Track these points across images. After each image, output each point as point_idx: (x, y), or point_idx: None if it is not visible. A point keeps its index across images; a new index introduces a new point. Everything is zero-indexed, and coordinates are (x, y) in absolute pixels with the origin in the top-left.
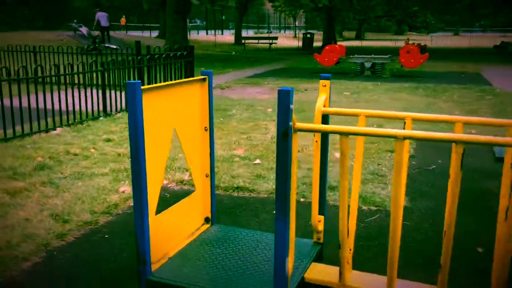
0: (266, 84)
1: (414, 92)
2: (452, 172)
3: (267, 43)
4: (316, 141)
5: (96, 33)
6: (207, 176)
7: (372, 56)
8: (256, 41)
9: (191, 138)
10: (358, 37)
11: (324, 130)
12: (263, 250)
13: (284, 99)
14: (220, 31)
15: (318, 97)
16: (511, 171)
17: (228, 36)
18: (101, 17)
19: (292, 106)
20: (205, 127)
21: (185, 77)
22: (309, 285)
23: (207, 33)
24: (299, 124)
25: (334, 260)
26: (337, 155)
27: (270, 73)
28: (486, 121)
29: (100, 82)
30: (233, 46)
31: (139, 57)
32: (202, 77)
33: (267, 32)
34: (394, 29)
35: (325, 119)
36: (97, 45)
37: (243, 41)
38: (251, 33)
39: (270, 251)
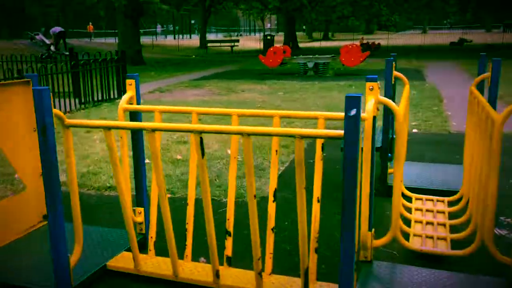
0: (207, 86)
1: (346, 90)
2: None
3: (229, 46)
4: (121, 137)
5: (49, 40)
6: (41, 175)
7: (316, 56)
8: (218, 44)
9: (15, 139)
10: (326, 38)
11: (91, 125)
12: (90, 244)
13: (39, 101)
14: (188, 36)
15: (125, 95)
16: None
17: (195, 40)
18: (55, 29)
19: (51, 109)
20: (34, 128)
21: (116, 81)
22: (112, 272)
23: (174, 38)
24: (69, 121)
25: (163, 250)
26: (229, 151)
27: (218, 75)
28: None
29: None
30: (198, 50)
31: (59, 64)
32: (25, 80)
33: (237, 35)
34: (363, 28)
35: (136, 116)
36: (51, 52)
37: (208, 44)
38: (220, 36)
39: (97, 245)
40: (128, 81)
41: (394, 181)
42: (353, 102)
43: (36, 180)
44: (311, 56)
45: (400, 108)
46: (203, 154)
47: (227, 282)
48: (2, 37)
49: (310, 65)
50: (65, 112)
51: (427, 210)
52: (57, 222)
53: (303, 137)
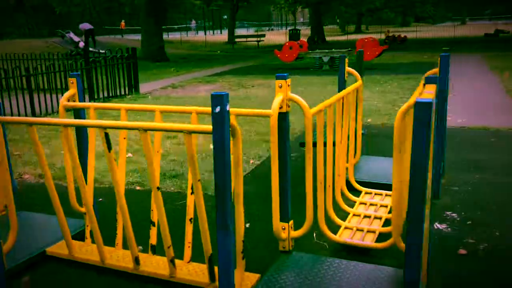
0: (219, 82)
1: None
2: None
3: (255, 41)
4: (61, 131)
5: (77, 38)
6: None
7: (332, 50)
8: (245, 39)
9: None
10: (358, 31)
11: (14, 121)
12: (34, 230)
13: None
14: (219, 31)
15: (66, 92)
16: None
17: (225, 36)
18: (84, 25)
19: None
20: None
21: (127, 77)
22: (52, 258)
23: (205, 33)
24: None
25: (105, 239)
26: (211, 146)
27: (234, 71)
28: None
29: (25, 87)
30: (225, 45)
31: (68, 62)
32: None
33: (268, 30)
34: (399, 21)
35: (79, 112)
36: (79, 49)
37: (235, 39)
38: (251, 31)
39: (41, 231)
40: (70, 80)
41: (306, 173)
42: (218, 100)
43: None
44: (326, 50)
45: (328, 102)
46: (109, 148)
47: (146, 268)
48: (35, 36)
49: (326, 59)
50: None
51: (371, 204)
52: None
53: (190, 132)
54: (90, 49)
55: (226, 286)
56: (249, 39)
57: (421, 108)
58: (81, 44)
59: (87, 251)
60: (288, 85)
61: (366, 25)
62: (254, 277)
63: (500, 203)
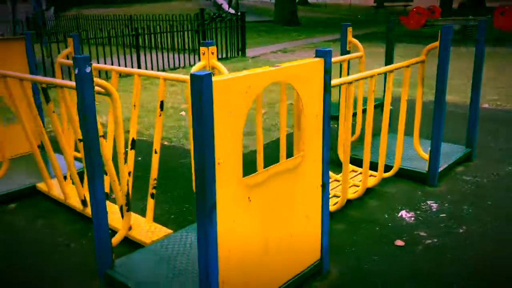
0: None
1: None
2: None
3: (402, 5)
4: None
5: (221, 1)
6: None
7: (468, 17)
8: (391, 3)
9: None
10: None
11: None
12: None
13: None
14: None
15: (65, 50)
16: None
17: None
18: None
19: None
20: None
21: (236, 39)
22: (40, 192)
23: None
24: None
25: None
26: None
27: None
28: None
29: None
30: (371, 10)
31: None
32: (19, 37)
33: None
34: None
35: None
36: (221, 12)
37: (384, 4)
38: None
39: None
40: (68, 40)
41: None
42: (77, 62)
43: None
44: (461, 18)
45: None
46: (47, 100)
47: (89, 210)
48: None
49: (456, 28)
50: (185, 66)
51: (335, 180)
52: None
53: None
54: (233, 11)
55: (98, 236)
56: (396, 3)
57: (194, 81)
58: (225, 6)
59: (59, 190)
60: (212, 53)
61: None
62: (164, 231)
63: (500, 201)
